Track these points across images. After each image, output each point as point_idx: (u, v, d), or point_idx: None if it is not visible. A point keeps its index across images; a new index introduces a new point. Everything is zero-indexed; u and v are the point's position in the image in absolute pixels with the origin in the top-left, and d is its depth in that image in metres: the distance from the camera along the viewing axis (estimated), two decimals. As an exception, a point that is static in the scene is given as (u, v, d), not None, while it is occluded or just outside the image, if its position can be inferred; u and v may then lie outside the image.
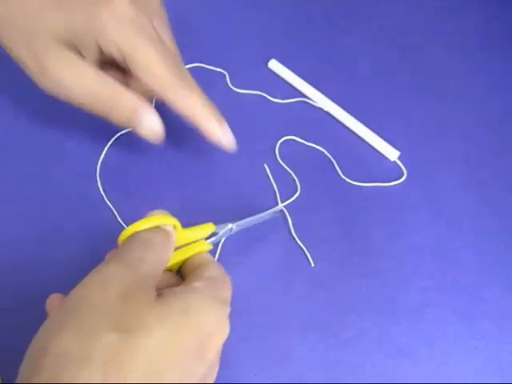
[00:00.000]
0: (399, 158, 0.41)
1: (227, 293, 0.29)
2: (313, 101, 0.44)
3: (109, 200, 0.38)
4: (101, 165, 0.40)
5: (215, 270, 0.30)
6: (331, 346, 0.33)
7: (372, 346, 0.34)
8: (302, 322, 0.34)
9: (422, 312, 0.35)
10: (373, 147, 0.42)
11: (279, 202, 0.39)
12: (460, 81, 0.46)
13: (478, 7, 0.51)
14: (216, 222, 0.33)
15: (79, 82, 0.33)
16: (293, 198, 0.39)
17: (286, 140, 0.42)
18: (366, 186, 0.40)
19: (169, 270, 0.30)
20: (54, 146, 0.41)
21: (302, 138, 0.42)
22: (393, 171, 0.41)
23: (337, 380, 0.32)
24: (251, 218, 0.35)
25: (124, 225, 0.37)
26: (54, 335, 0.23)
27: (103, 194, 0.39)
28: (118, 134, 0.41)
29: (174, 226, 0.29)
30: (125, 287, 0.24)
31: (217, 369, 0.28)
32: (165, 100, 0.34)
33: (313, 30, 0.49)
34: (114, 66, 0.36)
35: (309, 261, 0.36)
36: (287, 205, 0.39)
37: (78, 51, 0.34)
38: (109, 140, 0.41)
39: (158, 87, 0.34)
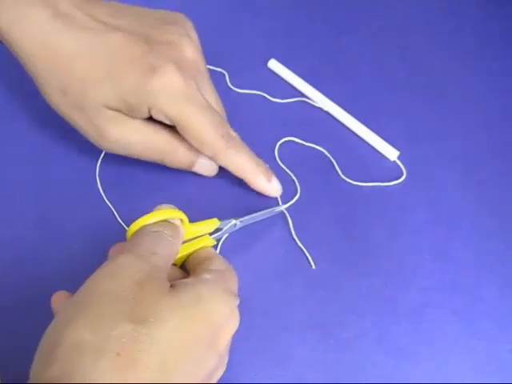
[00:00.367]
0: (399, 157, 0.41)
1: (235, 285, 0.30)
2: (313, 101, 0.44)
3: (109, 200, 0.38)
4: (100, 165, 0.40)
5: (221, 264, 0.31)
6: (331, 346, 0.33)
7: (372, 346, 0.34)
8: (301, 322, 0.34)
9: (422, 312, 0.35)
10: (372, 147, 0.42)
11: (280, 202, 0.39)
12: (460, 81, 0.46)
13: (478, 7, 0.51)
14: (219, 219, 0.34)
15: (133, 137, 0.35)
16: (293, 200, 0.39)
17: (285, 141, 0.42)
18: (365, 186, 0.40)
19: (173, 264, 0.31)
20: (53, 146, 0.41)
21: (301, 138, 0.42)
22: (392, 171, 0.41)
23: (337, 380, 0.32)
24: (254, 215, 0.36)
25: (124, 225, 0.37)
26: (68, 326, 0.23)
27: (103, 194, 0.39)
28: (118, 134, 0.41)
29: (182, 220, 0.30)
30: (138, 277, 0.25)
31: (226, 360, 0.29)
32: (215, 162, 0.37)
33: (313, 30, 0.49)
34: None
35: (309, 262, 0.36)
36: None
37: (127, 114, 0.35)
38: (109, 140, 0.41)
39: (208, 152, 0.36)
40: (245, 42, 0.48)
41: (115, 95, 0.34)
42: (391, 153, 0.41)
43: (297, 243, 0.37)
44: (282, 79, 0.46)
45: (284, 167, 0.41)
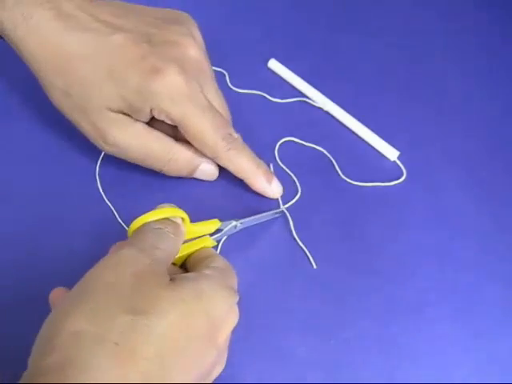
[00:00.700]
0: (399, 157, 0.41)
1: (234, 282, 0.30)
2: (313, 101, 0.44)
3: (109, 200, 0.38)
4: (100, 165, 0.40)
5: (221, 262, 0.31)
6: (331, 346, 0.33)
7: (372, 346, 0.34)
8: (301, 322, 0.34)
9: (422, 312, 0.35)
10: (372, 147, 0.42)
11: (280, 203, 0.39)
12: (460, 81, 0.46)
13: (478, 8, 0.52)
14: (220, 220, 0.34)
15: (134, 143, 0.35)
16: (294, 200, 0.39)
17: (285, 141, 0.42)
18: (365, 186, 0.40)
19: (173, 264, 0.31)
20: (54, 146, 0.41)
21: (301, 138, 0.42)
22: (392, 171, 0.41)
23: (337, 380, 0.32)
24: (255, 217, 0.36)
25: (124, 225, 0.37)
26: (67, 316, 0.23)
27: (103, 194, 0.39)
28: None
29: (183, 219, 0.30)
30: (139, 269, 0.25)
31: (225, 357, 0.29)
32: (217, 162, 0.37)
33: (313, 29, 0.49)
34: None
35: (310, 262, 0.36)
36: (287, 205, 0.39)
37: (130, 115, 0.35)
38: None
39: (209, 153, 0.36)
40: (245, 42, 0.48)
41: (118, 96, 0.34)
42: (391, 153, 0.41)
43: (297, 243, 0.37)
44: (282, 79, 0.46)
45: (284, 167, 0.41)
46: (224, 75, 0.45)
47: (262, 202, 0.38)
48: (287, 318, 0.34)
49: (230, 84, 0.45)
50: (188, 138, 0.35)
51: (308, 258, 0.36)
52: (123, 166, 0.39)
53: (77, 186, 0.39)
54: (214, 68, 0.44)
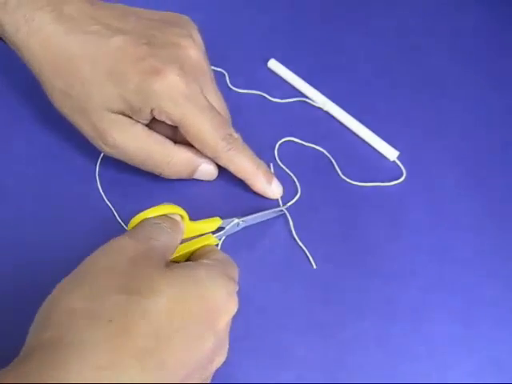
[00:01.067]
0: (398, 157, 0.41)
1: (234, 272, 0.30)
2: (312, 100, 0.44)
3: (109, 200, 0.38)
4: (100, 165, 0.40)
5: (221, 254, 0.31)
6: (331, 346, 0.33)
7: (372, 346, 0.34)
8: (301, 321, 0.34)
9: (422, 312, 0.35)
10: (372, 147, 0.42)
11: (280, 203, 0.39)
12: (460, 81, 0.46)
13: (478, 7, 0.51)
14: (221, 218, 0.35)
15: (134, 145, 0.36)
16: (294, 200, 0.39)
17: (285, 141, 0.42)
18: (365, 186, 0.40)
19: (175, 261, 0.31)
20: (53, 146, 0.41)
21: (301, 138, 0.42)
22: (392, 171, 0.41)
23: (337, 380, 0.32)
24: (257, 215, 0.36)
25: (124, 225, 0.37)
26: (64, 296, 0.24)
27: (103, 194, 0.39)
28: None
29: (182, 217, 0.31)
30: (133, 255, 0.26)
31: (226, 348, 0.29)
32: (217, 162, 0.37)
33: (313, 29, 0.49)
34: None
35: (310, 262, 0.36)
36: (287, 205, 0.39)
37: (130, 116, 0.35)
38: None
39: (209, 153, 0.36)
40: (245, 41, 0.48)
41: (118, 97, 0.34)
42: (391, 153, 0.41)
43: (297, 243, 0.37)
44: (282, 79, 0.46)
45: (284, 167, 0.41)
46: (224, 75, 0.45)
47: (261, 202, 0.38)
48: (287, 317, 0.34)
49: (229, 84, 0.45)
50: (188, 139, 0.35)
51: (308, 258, 0.36)
52: (123, 166, 0.39)
53: (77, 186, 0.39)
54: (213, 68, 0.45)
